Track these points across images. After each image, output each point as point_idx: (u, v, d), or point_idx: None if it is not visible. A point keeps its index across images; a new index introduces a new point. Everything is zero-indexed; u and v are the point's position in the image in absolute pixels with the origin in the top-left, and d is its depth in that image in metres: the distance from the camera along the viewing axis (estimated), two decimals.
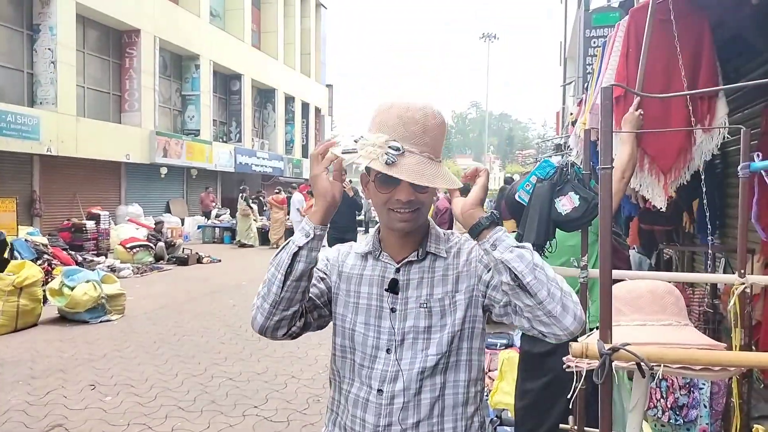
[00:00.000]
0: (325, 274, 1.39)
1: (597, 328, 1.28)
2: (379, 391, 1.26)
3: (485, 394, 4.17)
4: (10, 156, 12.34)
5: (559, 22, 21.02)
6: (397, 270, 1.31)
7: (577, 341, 1.25)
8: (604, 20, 6.68)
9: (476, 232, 1.16)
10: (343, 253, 1.41)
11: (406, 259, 1.31)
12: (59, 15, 13.51)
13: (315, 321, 1.35)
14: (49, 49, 13.50)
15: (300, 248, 1.22)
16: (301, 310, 1.29)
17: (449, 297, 1.28)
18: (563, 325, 1.10)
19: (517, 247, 1.13)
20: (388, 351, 1.28)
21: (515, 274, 1.10)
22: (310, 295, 1.32)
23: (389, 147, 1.17)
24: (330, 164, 1.23)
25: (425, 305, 1.27)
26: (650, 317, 1.55)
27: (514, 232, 2.65)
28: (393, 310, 1.29)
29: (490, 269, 1.23)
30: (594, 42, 6.74)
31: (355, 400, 1.30)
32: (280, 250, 1.25)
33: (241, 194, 16.36)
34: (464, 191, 1.23)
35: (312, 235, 1.23)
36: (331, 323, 1.41)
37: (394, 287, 1.29)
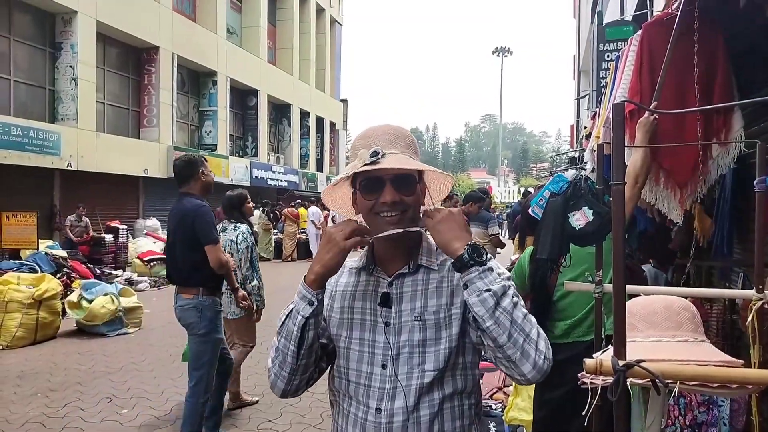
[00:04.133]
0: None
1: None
2: (378, 409, 1.25)
3: (501, 407, 4.14)
4: (31, 171, 12.59)
5: (572, 36, 21.04)
6: (390, 284, 1.31)
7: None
8: (618, 34, 6.66)
9: (456, 268, 1.19)
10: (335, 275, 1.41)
11: (398, 272, 1.31)
12: (80, 33, 13.84)
13: (326, 363, 1.37)
14: (70, 66, 13.82)
15: (307, 318, 1.22)
16: (316, 365, 1.32)
17: (444, 310, 1.27)
18: (521, 371, 1.14)
19: (487, 290, 1.14)
20: (383, 366, 1.27)
21: (474, 318, 1.15)
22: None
23: (370, 155, 1.21)
24: (356, 245, 1.24)
25: (419, 318, 1.27)
26: (666, 333, 1.53)
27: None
28: (387, 324, 1.28)
29: None
30: (607, 56, 6.72)
31: (354, 420, 1.29)
32: (285, 318, 1.26)
33: (262, 208, 16.44)
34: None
35: (316, 303, 1.23)
36: None
37: (386, 301, 1.29)
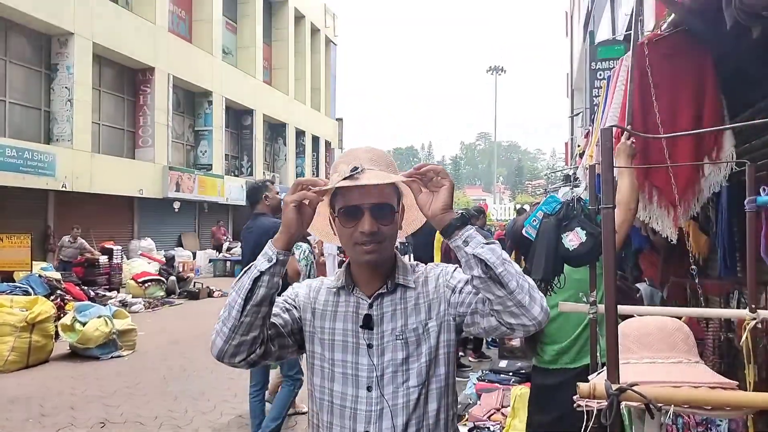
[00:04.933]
0: (294, 306, 1.38)
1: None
2: None
3: (499, 429, 4.10)
4: (26, 192, 12.56)
5: (566, 54, 21.30)
6: (370, 305, 1.32)
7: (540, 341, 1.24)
8: (609, 53, 6.74)
9: (449, 232, 1.21)
10: (314, 289, 1.40)
11: (377, 293, 1.32)
12: (76, 55, 13.92)
13: (276, 350, 1.32)
14: (66, 87, 13.88)
15: (262, 273, 1.20)
16: (262, 337, 1.25)
17: (422, 325, 1.30)
18: (531, 314, 1.16)
19: (487, 243, 1.18)
20: (368, 389, 1.27)
21: (487, 265, 1.15)
22: (274, 322, 1.31)
23: (350, 169, 1.23)
24: (300, 199, 1.23)
25: (401, 337, 1.29)
26: (660, 355, 1.53)
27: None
28: (370, 346, 1.29)
29: (454, 290, 1.29)
30: (600, 74, 6.78)
31: None
32: (242, 274, 1.24)
33: None
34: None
35: (275, 260, 1.21)
36: (290, 355, 1.39)
37: (368, 323, 1.30)
